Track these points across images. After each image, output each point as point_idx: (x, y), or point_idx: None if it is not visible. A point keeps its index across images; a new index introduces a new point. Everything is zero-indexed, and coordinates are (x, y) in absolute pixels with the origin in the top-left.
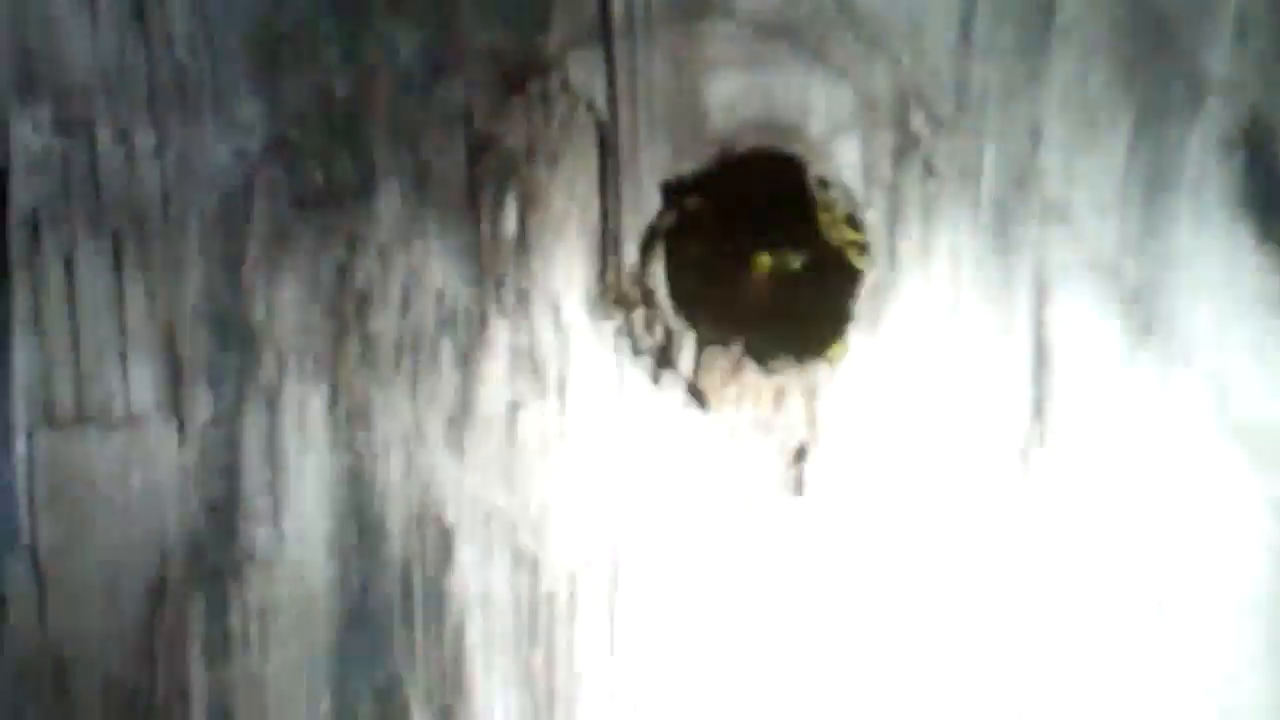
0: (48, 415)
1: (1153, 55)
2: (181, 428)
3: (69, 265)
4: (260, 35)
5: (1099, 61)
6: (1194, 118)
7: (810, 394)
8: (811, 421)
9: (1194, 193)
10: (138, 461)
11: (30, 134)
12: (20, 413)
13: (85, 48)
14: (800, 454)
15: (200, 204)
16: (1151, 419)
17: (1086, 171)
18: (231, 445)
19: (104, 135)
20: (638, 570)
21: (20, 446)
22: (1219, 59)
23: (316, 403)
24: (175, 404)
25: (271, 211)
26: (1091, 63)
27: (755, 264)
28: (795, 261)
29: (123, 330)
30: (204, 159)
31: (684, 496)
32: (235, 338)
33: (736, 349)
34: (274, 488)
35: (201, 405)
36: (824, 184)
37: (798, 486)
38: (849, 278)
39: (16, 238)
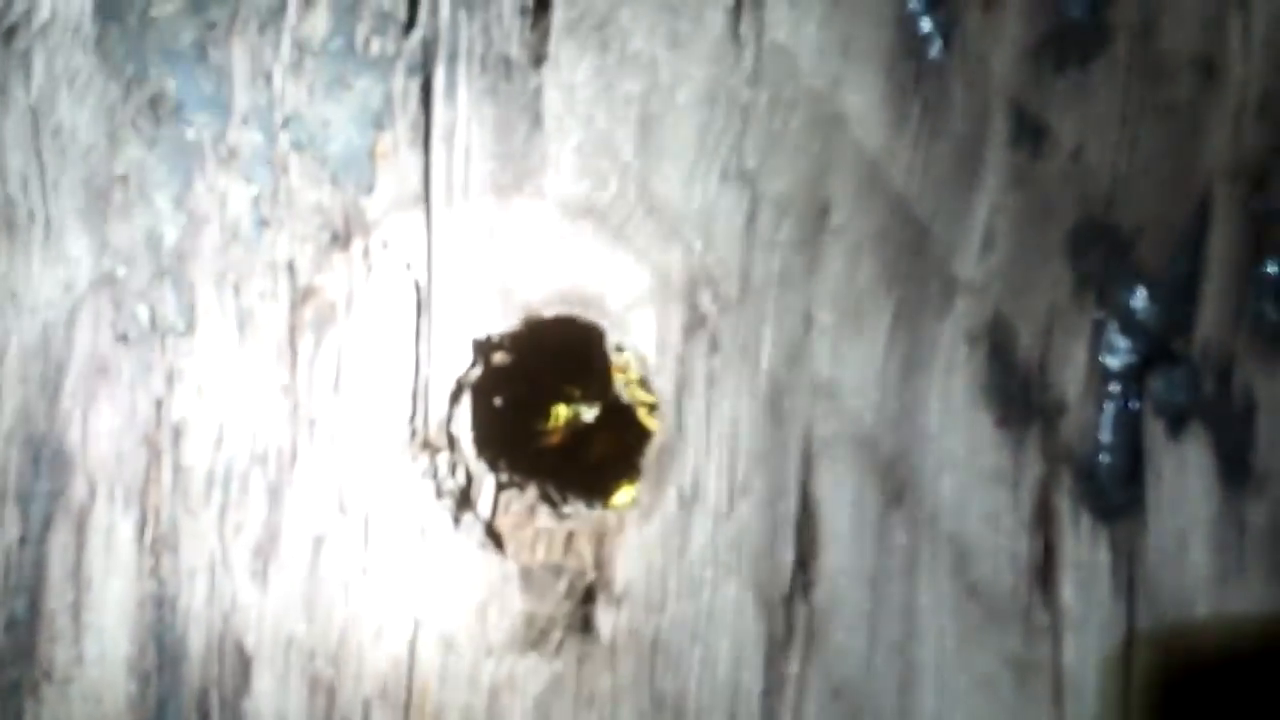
0: None
1: (912, 257)
2: None
3: None
4: (93, 178)
5: (865, 260)
6: (945, 314)
7: (599, 540)
8: (599, 565)
9: (943, 378)
10: None
11: None
12: None
13: None
14: (589, 594)
15: (21, 331)
16: (900, 574)
17: (851, 355)
18: (37, 565)
19: None
20: (431, 702)
21: None
22: (968, 265)
23: (125, 528)
24: None
25: (93, 343)
26: (859, 260)
27: (553, 415)
28: (589, 414)
29: None
30: (29, 288)
31: (479, 633)
32: (48, 462)
33: (531, 493)
34: (76, 609)
35: (9, 524)
36: (620, 350)
37: (585, 625)
38: (637, 431)
39: None
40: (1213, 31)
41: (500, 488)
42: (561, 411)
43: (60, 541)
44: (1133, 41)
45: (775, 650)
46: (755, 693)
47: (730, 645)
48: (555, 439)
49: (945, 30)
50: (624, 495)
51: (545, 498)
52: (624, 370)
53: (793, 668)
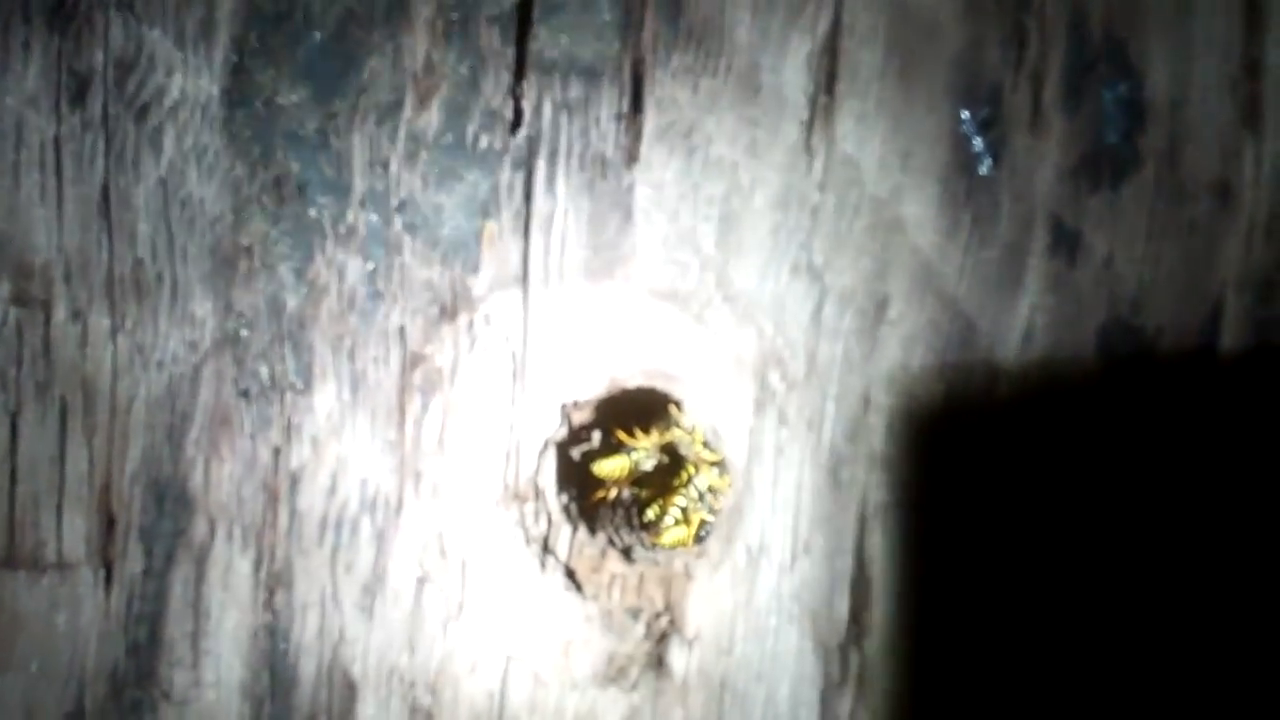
0: None
1: (960, 347)
2: (109, 576)
3: (14, 424)
4: (219, 246)
5: (918, 349)
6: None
7: (667, 584)
8: (669, 608)
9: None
10: (64, 604)
11: None
12: None
13: (49, 234)
14: (663, 636)
15: (149, 383)
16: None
17: (903, 433)
18: (159, 596)
19: (60, 313)
20: None
21: None
22: (1009, 356)
23: (243, 565)
24: (104, 555)
25: (217, 397)
26: (912, 349)
27: (619, 469)
28: (648, 464)
29: (61, 487)
30: (156, 345)
31: (564, 668)
32: (171, 502)
33: (601, 539)
34: (195, 636)
35: (133, 559)
36: (694, 419)
37: (659, 663)
38: (680, 479)
39: None
40: (1230, 159)
41: (574, 533)
42: (625, 463)
43: (181, 575)
44: (1159, 166)
45: (830, 692)
46: None
47: (790, 686)
48: (620, 487)
49: (995, 150)
50: (672, 534)
51: (611, 543)
52: (690, 431)
53: (845, 707)
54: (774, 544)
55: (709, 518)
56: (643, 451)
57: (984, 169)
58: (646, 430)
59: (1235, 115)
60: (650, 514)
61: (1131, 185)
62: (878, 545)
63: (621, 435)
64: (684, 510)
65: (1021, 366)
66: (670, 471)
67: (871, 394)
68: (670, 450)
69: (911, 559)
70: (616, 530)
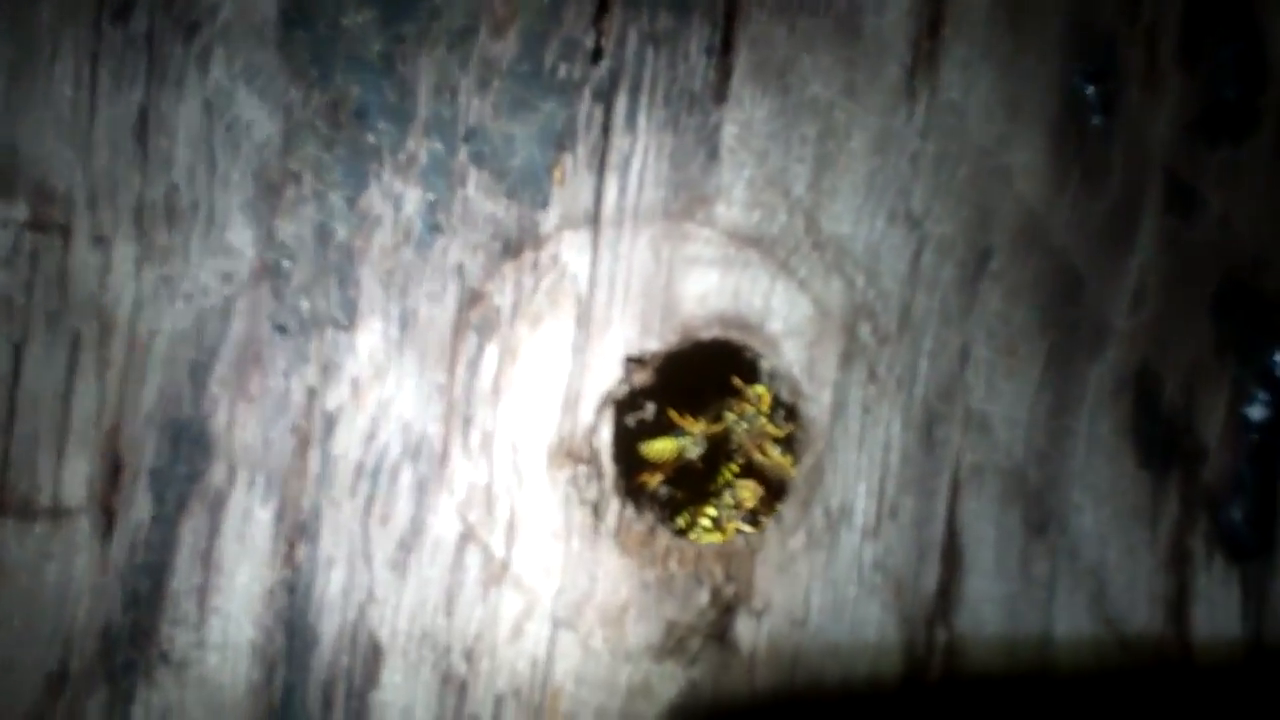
0: None
1: (1066, 305)
2: (109, 525)
3: (18, 355)
4: (265, 172)
5: (1022, 303)
6: (1095, 359)
7: (727, 559)
8: (732, 577)
9: (1091, 419)
10: (57, 554)
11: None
12: None
13: (76, 155)
14: (729, 607)
15: (174, 317)
16: (1039, 603)
17: (1004, 391)
18: (165, 546)
19: (80, 240)
20: (565, 703)
21: None
22: (1119, 315)
23: (263, 515)
24: (106, 502)
25: (249, 333)
26: (1015, 303)
27: (663, 450)
28: (694, 451)
29: (64, 426)
30: (185, 276)
31: (617, 638)
32: (188, 445)
33: (649, 517)
34: (204, 592)
35: (139, 505)
36: (771, 375)
37: (722, 635)
38: (715, 484)
39: None
40: None
41: (622, 507)
42: (673, 447)
43: (192, 524)
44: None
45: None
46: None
47: (870, 664)
48: (665, 472)
49: (1107, 101)
50: (706, 539)
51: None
52: (754, 403)
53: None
54: (857, 508)
55: (744, 527)
56: (690, 438)
57: (1095, 120)
58: (699, 414)
59: None
60: (680, 522)
61: (1250, 143)
62: (971, 511)
63: (673, 415)
64: (714, 520)
65: (1131, 327)
66: (706, 476)
67: (970, 349)
68: (718, 442)
69: (1007, 527)
70: (658, 518)
